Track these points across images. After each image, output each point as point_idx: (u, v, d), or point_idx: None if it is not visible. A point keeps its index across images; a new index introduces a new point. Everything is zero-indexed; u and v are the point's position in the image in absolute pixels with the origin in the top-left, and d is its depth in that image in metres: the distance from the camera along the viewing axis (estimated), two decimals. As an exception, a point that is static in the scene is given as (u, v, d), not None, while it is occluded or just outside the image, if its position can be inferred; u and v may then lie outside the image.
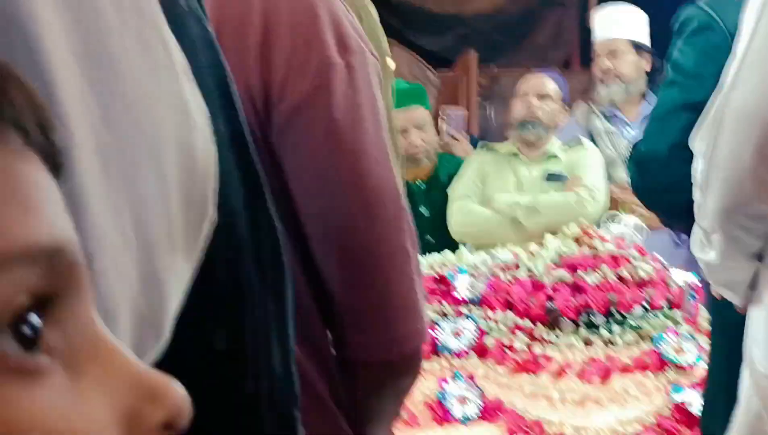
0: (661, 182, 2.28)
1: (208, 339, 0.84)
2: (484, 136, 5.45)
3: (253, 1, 1.32)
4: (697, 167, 1.96)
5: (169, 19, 0.74)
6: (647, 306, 3.21)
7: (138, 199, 0.69)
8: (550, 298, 3.20)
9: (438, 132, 4.92)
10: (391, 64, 1.89)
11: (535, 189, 4.24)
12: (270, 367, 0.91)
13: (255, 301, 0.90)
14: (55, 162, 0.48)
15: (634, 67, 4.47)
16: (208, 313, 0.83)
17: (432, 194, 4.50)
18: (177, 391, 0.48)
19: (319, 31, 1.31)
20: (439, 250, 3.57)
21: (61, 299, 0.45)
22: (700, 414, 2.87)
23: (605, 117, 4.59)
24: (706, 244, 1.98)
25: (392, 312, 1.36)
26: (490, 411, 3.03)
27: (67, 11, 0.66)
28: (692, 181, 1.99)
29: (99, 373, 0.45)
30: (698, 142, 1.96)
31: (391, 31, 8.11)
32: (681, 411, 3.00)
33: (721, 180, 1.89)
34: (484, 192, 4.30)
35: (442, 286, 3.26)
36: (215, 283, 0.83)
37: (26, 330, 0.42)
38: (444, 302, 3.22)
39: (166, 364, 0.72)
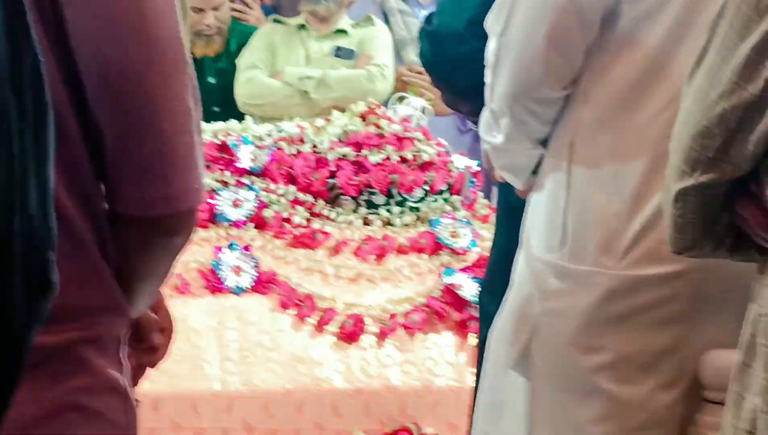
0: (454, 58, 2.30)
1: None
2: (276, 6, 5.42)
3: None
4: (490, 47, 1.98)
5: None
6: (427, 189, 3.27)
7: None
8: (332, 175, 3.23)
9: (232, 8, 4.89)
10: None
11: (324, 63, 4.31)
12: (25, 205, 0.88)
13: (11, 135, 0.86)
14: None
15: None
16: None
17: (220, 64, 4.51)
18: None
19: None
20: (224, 120, 3.54)
21: None
22: (470, 297, 3.00)
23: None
24: (493, 126, 2.00)
25: (168, 167, 1.33)
26: (263, 283, 3.06)
27: None
28: (485, 61, 2.01)
29: None
30: (492, 21, 1.97)
31: None
32: (450, 293, 3.08)
33: (512, 62, 1.92)
34: (274, 64, 4.33)
35: (225, 154, 3.26)
36: None
37: None
38: (226, 171, 3.21)
39: None
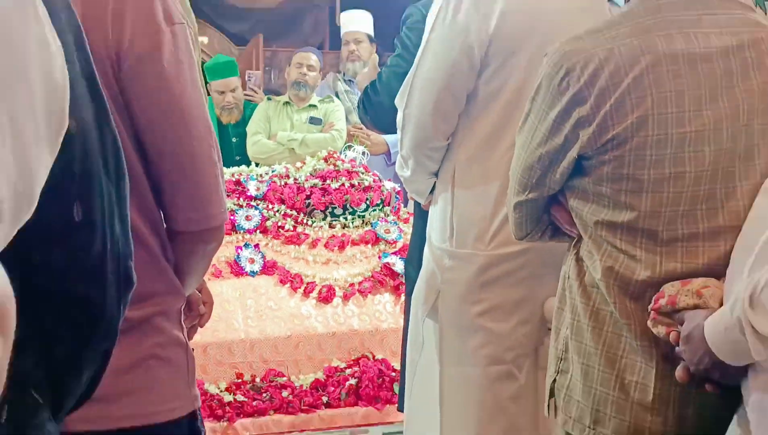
0: (383, 119, 2.24)
1: (68, 212, 0.79)
2: (267, 91, 5.40)
3: None
4: (399, 116, 1.96)
5: None
6: (368, 203, 3.27)
7: (12, 106, 0.64)
8: (308, 197, 3.22)
9: (243, 86, 4.83)
10: (203, 40, 1.85)
11: (302, 128, 4.26)
12: (113, 233, 0.86)
13: (101, 188, 0.84)
14: None
15: (368, 51, 4.44)
16: (68, 194, 0.78)
17: (239, 130, 4.41)
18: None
19: (152, 6, 1.25)
20: (240, 165, 3.51)
21: None
22: (399, 270, 3.02)
23: (346, 82, 4.59)
24: (404, 165, 2.01)
25: (203, 199, 1.32)
26: (268, 268, 3.06)
27: None
28: (397, 123, 1.99)
29: None
30: (399, 99, 1.96)
31: (204, 17, 7.80)
32: (387, 268, 3.11)
33: (412, 126, 1.91)
34: (270, 129, 4.28)
35: (239, 187, 3.24)
36: (73, 174, 0.78)
37: None
38: (240, 198, 3.20)
39: (39, 228, 0.70)
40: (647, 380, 1.35)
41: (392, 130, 2.15)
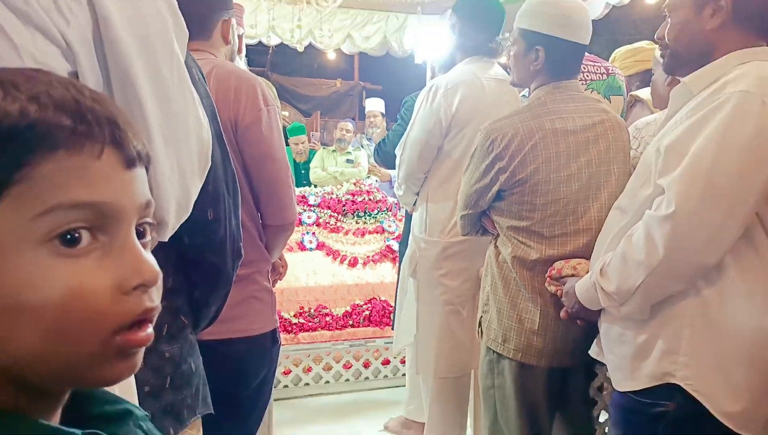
0: (389, 162, 2.19)
1: (205, 212, 0.80)
2: (322, 144, 5.43)
3: (230, 81, 1.24)
4: (398, 160, 1.95)
5: (191, 80, 0.69)
6: (379, 210, 3.23)
7: (179, 154, 0.65)
8: (344, 205, 3.19)
9: (309, 141, 4.84)
10: (285, 113, 1.84)
11: (342, 166, 4.23)
12: (231, 225, 0.86)
13: (224, 200, 0.84)
14: (137, 153, 0.38)
15: (381, 121, 4.42)
16: (206, 202, 0.78)
17: (306, 165, 4.39)
18: (150, 269, 0.37)
19: (256, 95, 1.24)
20: (306, 186, 3.51)
21: (109, 223, 0.36)
22: (396, 248, 2.96)
23: (368, 139, 4.58)
24: (399, 189, 1.99)
25: (283, 207, 1.30)
26: (320, 246, 3.01)
27: (150, 74, 0.59)
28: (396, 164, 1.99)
29: (119, 256, 0.37)
30: (398, 150, 1.95)
31: (286, 100, 7.82)
32: (389, 248, 3.07)
33: (405, 166, 1.90)
34: (324, 165, 4.26)
35: (304, 199, 3.19)
36: (209, 191, 0.78)
37: (68, 237, 0.35)
38: (305, 205, 3.18)
39: (188, 222, 0.70)
40: (534, 317, 1.34)
41: (394, 168, 2.16)
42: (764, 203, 0.93)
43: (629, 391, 1.05)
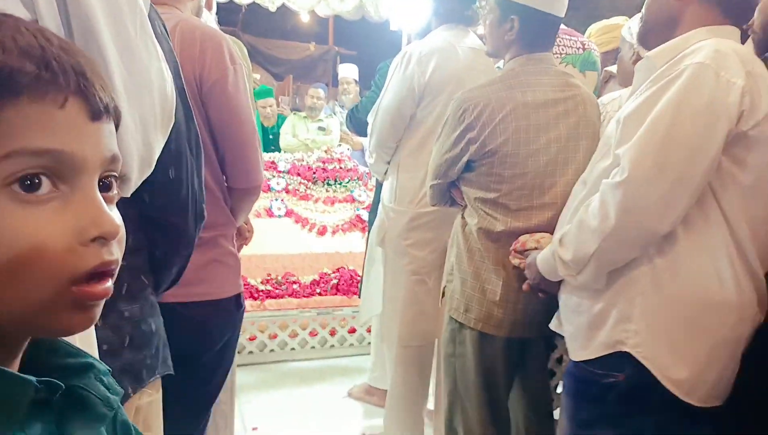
0: (361, 129, 2.17)
1: (167, 171, 0.79)
2: (293, 109, 5.34)
3: (195, 37, 1.20)
4: (369, 128, 1.93)
5: (155, 34, 0.68)
6: (350, 179, 3.21)
7: (142, 109, 0.65)
8: (314, 172, 3.15)
9: (277, 104, 4.73)
10: (256, 76, 1.80)
11: (313, 133, 4.15)
12: (193, 186, 0.84)
13: (187, 159, 0.83)
14: (103, 106, 0.38)
15: (354, 88, 4.35)
16: (168, 161, 0.77)
17: (274, 130, 4.30)
18: (110, 221, 0.37)
19: (222, 52, 1.21)
20: (275, 152, 3.45)
21: (69, 172, 0.36)
22: (366, 218, 2.95)
23: (340, 106, 4.51)
24: (371, 156, 1.97)
25: (250, 167, 1.27)
26: (288, 213, 2.99)
27: (113, 26, 0.60)
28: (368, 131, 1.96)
29: (78, 207, 0.36)
30: (370, 116, 1.93)
31: (257, 62, 7.67)
32: (359, 218, 3.06)
33: (377, 133, 1.88)
34: (294, 132, 4.17)
35: (273, 165, 3.17)
36: (170, 149, 0.77)
37: (27, 182, 0.35)
38: (274, 171, 3.15)
39: (149, 182, 0.70)
40: (497, 288, 1.36)
41: (365, 134, 2.14)
42: (716, 174, 0.95)
43: (582, 361, 1.08)
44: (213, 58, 1.20)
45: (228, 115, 1.23)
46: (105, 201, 0.38)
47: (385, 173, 1.98)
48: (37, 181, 0.35)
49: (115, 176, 0.40)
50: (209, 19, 1.55)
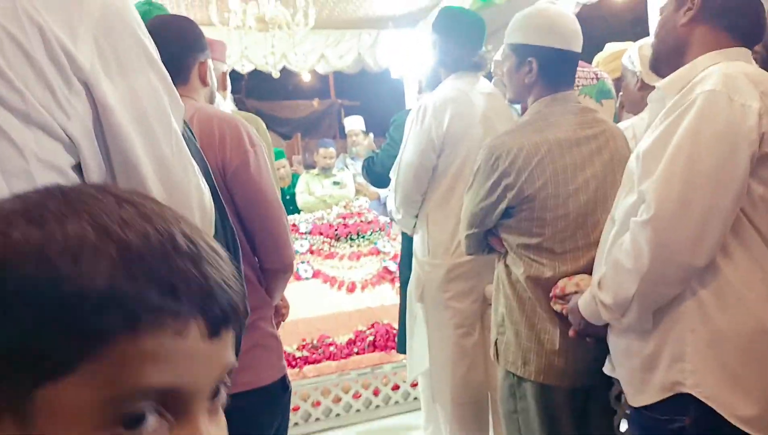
0: (380, 182, 2.19)
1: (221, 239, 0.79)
2: (306, 166, 5.38)
3: (213, 125, 1.21)
4: (392, 184, 1.93)
5: (187, 144, 0.69)
6: (372, 231, 3.21)
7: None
8: (336, 229, 3.15)
9: (290, 164, 4.78)
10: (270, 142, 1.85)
11: (329, 189, 4.16)
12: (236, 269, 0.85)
13: (228, 246, 0.86)
14: (223, 317, 0.33)
15: (362, 138, 4.37)
16: (218, 237, 0.79)
17: (291, 190, 4.31)
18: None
19: (241, 136, 1.22)
20: (293, 213, 3.45)
21: (180, 405, 0.32)
22: (393, 269, 2.94)
23: (351, 157, 4.54)
24: (396, 212, 1.96)
25: (280, 246, 1.28)
26: (315, 275, 2.96)
27: (152, 154, 0.60)
28: (390, 187, 1.97)
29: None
30: (393, 172, 1.94)
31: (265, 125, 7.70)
32: (386, 269, 3.04)
33: (401, 189, 1.88)
34: (309, 190, 4.19)
35: (294, 227, 3.15)
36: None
37: (133, 419, 0.30)
38: (296, 234, 3.12)
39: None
40: (554, 337, 1.32)
41: (384, 186, 2.13)
42: (747, 199, 0.93)
43: (644, 407, 1.04)
44: (232, 143, 1.22)
45: (254, 197, 1.24)
46: (211, 411, 0.34)
47: (414, 227, 1.96)
48: (142, 415, 0.31)
49: (226, 383, 0.35)
50: (223, 102, 1.56)
